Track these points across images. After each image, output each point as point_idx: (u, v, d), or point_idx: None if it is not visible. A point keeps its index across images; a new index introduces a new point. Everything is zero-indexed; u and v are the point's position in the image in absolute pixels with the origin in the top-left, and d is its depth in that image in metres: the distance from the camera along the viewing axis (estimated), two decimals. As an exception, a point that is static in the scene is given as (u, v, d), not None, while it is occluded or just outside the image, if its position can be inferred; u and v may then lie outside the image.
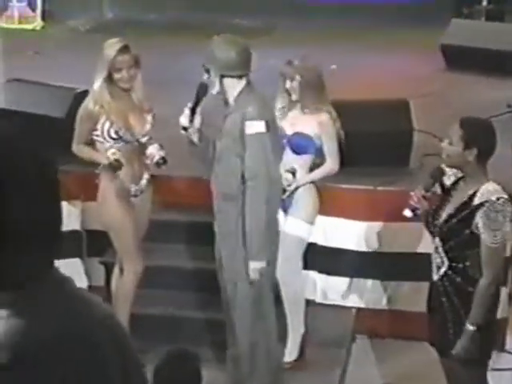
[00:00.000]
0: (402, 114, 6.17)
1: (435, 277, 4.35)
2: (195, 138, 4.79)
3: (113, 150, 4.93)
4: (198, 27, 10.67)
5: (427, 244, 5.78)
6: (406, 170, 6.17)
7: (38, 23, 11.15)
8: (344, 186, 5.84)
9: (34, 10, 11.22)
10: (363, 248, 5.92)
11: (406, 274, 5.88)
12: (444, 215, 4.24)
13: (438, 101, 7.59)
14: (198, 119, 4.77)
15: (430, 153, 6.33)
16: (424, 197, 4.37)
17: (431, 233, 4.36)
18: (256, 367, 4.87)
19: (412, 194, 4.41)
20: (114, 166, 4.91)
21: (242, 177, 4.64)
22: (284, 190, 5.03)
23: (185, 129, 4.76)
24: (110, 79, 4.95)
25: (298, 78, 5.07)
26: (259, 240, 4.62)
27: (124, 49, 4.95)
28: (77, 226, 6.14)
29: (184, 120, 4.75)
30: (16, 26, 11.10)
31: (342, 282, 5.97)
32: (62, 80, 7.11)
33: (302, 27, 10.55)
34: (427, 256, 5.75)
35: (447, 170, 4.41)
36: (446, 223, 4.21)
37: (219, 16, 11.21)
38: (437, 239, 4.30)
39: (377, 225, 5.88)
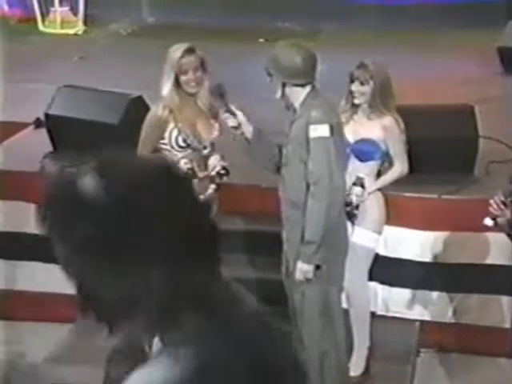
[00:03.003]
0: (466, 119, 5.96)
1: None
2: (249, 135, 4.62)
3: (185, 160, 4.79)
4: (241, 31, 10.56)
5: (497, 255, 5.60)
6: (471, 177, 5.96)
7: (80, 27, 11.06)
8: (407, 194, 5.64)
9: (75, 14, 11.13)
10: (427, 258, 5.72)
11: (474, 286, 5.67)
12: None
13: (499, 106, 7.37)
14: (239, 115, 4.64)
15: (495, 160, 6.14)
16: (504, 203, 4.15)
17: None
18: (325, 379, 4.72)
19: (491, 201, 4.19)
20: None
21: (308, 183, 4.52)
22: (357, 206, 4.84)
23: (235, 128, 4.62)
24: (177, 84, 4.80)
25: (371, 82, 4.90)
26: (313, 245, 4.52)
27: (189, 50, 4.80)
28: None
29: (230, 121, 4.63)
30: (58, 30, 11.02)
31: (404, 294, 5.77)
32: (109, 85, 6.99)
33: (348, 30, 10.36)
34: (498, 268, 5.59)
35: None
36: None
37: (262, 19, 11.09)
38: None
39: (442, 235, 5.67)
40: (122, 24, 11.12)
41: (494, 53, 8.80)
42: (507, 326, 5.65)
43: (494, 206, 4.15)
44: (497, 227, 4.23)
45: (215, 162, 4.83)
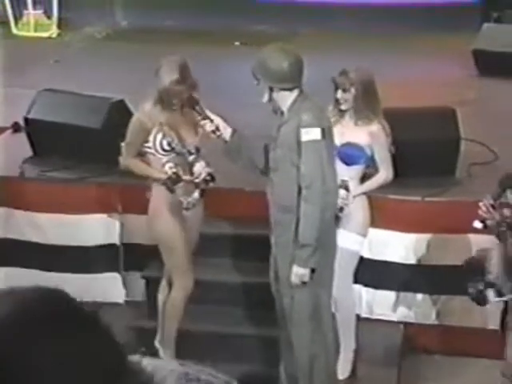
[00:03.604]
0: (448, 122, 6.01)
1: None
2: (228, 138, 4.66)
3: (170, 164, 4.78)
4: (216, 34, 10.53)
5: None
6: (453, 179, 6.00)
7: (53, 31, 10.96)
8: (391, 196, 5.65)
9: (49, 17, 11.03)
10: (411, 261, 5.74)
11: (457, 288, 5.68)
12: None
13: (476, 108, 7.40)
14: (216, 119, 4.70)
15: (476, 162, 6.19)
16: (493, 206, 4.18)
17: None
18: (314, 382, 4.71)
19: (480, 204, 4.22)
20: (173, 180, 4.75)
21: (299, 187, 4.51)
22: (341, 208, 4.85)
23: (214, 132, 4.68)
24: (161, 103, 4.81)
25: (352, 90, 4.92)
26: (309, 248, 4.52)
27: (178, 82, 4.78)
28: (114, 240, 5.95)
29: (208, 126, 4.68)
30: (32, 33, 10.91)
31: (388, 296, 5.79)
32: (86, 89, 6.93)
33: (325, 33, 10.38)
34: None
35: None
36: None
37: (237, 22, 11.08)
38: None
39: (425, 237, 5.70)
40: (96, 27, 11.05)
41: (469, 55, 8.86)
42: (490, 327, 5.70)
43: (484, 209, 4.18)
44: (486, 229, 4.25)
45: (200, 169, 4.85)
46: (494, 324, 5.70)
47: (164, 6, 11.64)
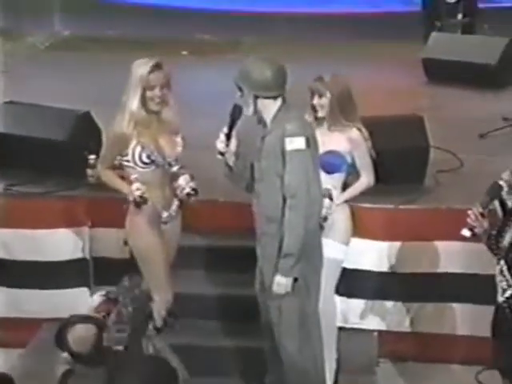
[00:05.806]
0: (417, 130, 6.07)
1: (500, 299, 4.20)
2: (231, 162, 4.61)
3: (137, 185, 4.69)
4: (161, 43, 10.45)
5: (450, 263, 5.72)
6: (422, 187, 6.05)
7: (-7, 41, 10.72)
8: (364, 205, 5.66)
9: (-13, 26, 10.80)
10: (384, 269, 5.77)
11: (429, 295, 5.75)
12: (508, 238, 4.11)
13: (430, 115, 7.47)
14: (233, 143, 4.61)
15: (442, 169, 6.26)
16: (482, 214, 4.22)
17: (495, 255, 4.22)
18: None
19: (469, 212, 4.25)
20: (138, 203, 4.67)
21: (284, 197, 4.51)
22: (325, 218, 4.84)
23: (221, 154, 4.59)
24: (143, 100, 4.72)
25: (328, 94, 4.95)
26: (292, 258, 4.50)
27: (157, 66, 4.74)
28: (83, 254, 5.84)
29: (220, 145, 4.58)
30: (-29, 43, 10.65)
31: (362, 305, 5.81)
32: (35, 100, 6.77)
33: (269, 41, 10.39)
34: (452, 276, 5.71)
35: (505, 187, 4.26)
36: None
37: (180, 31, 11.03)
38: (502, 262, 4.16)
39: (398, 245, 5.74)
40: (39, 37, 10.88)
41: (417, 64, 8.99)
42: (459, 333, 5.79)
43: (472, 217, 4.21)
44: (474, 237, 4.29)
45: (184, 183, 4.79)
46: (462, 330, 5.79)
47: (102, 15, 11.53)
